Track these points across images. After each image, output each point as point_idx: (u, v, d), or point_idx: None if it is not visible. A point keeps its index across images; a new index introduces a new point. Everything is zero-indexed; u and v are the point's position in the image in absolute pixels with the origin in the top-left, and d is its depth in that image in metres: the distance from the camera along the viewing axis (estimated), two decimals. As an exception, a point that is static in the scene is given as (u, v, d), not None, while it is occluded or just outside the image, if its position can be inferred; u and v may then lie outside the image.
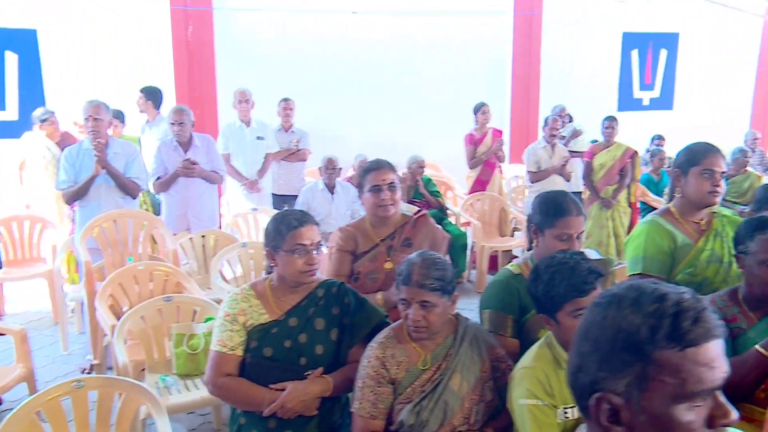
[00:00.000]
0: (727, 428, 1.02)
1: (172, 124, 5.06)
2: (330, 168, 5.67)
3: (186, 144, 5.13)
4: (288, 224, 2.35)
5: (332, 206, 5.68)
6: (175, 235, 4.80)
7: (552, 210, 2.44)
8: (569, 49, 9.27)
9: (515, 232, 6.65)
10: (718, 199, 2.71)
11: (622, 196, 6.18)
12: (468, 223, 6.43)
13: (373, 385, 2.21)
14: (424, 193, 6.19)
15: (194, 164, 5.00)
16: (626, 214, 6.20)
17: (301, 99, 6.73)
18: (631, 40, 9.63)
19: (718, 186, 2.66)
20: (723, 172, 2.68)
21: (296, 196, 5.96)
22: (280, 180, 6.45)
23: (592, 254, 4.72)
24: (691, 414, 0.98)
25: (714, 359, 0.98)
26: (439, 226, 3.16)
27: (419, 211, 3.11)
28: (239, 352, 2.36)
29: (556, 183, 6.29)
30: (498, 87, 8.97)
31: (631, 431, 1.00)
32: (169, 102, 6.61)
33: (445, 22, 8.38)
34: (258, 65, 7.61)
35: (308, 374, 2.34)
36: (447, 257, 2.57)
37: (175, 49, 7.24)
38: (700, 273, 2.67)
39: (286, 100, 6.50)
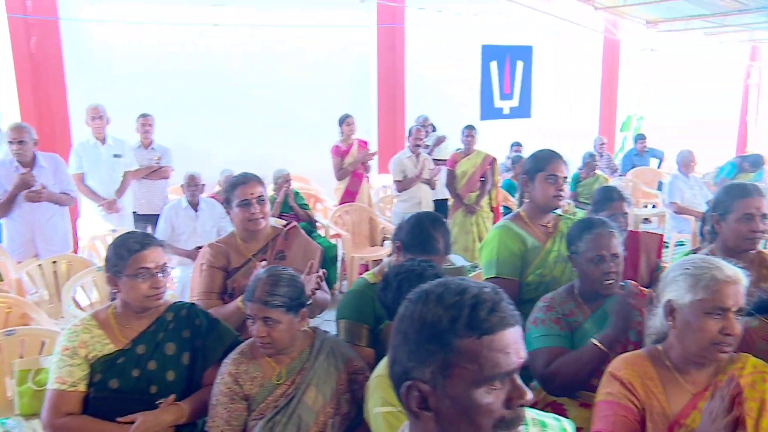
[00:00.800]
0: (524, 408, 1.11)
1: (11, 142, 4.68)
2: (192, 185, 5.49)
3: (28, 164, 4.76)
4: (129, 248, 2.23)
5: (197, 224, 5.49)
6: (20, 263, 4.45)
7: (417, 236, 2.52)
8: (432, 61, 9.57)
9: (385, 242, 6.75)
10: (563, 203, 2.88)
11: (485, 201, 6.44)
12: (338, 235, 6.45)
13: (226, 402, 2.15)
14: (293, 206, 6.15)
15: (33, 187, 4.64)
16: (489, 218, 6.48)
17: (161, 114, 6.48)
18: (489, 53, 10.11)
19: (561, 190, 2.83)
20: (565, 177, 2.86)
21: (159, 215, 5.72)
22: (141, 199, 6.18)
23: (457, 260, 4.90)
24: (489, 396, 1.06)
25: (509, 345, 1.06)
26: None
27: (289, 223, 3.08)
28: (81, 387, 2.22)
29: (422, 191, 6.47)
30: (364, 99, 9.09)
31: (438, 415, 1.07)
32: (14, 119, 6.13)
33: (309, 35, 8.39)
34: (114, 79, 7.23)
35: (160, 403, 2.23)
36: (321, 270, 2.58)
37: (16, 62, 6.71)
38: (548, 273, 2.83)
39: (144, 115, 6.24)
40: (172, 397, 2.25)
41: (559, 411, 2.38)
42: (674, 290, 1.84)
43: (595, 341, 2.23)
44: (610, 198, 3.15)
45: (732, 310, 1.76)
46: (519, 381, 1.09)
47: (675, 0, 8.75)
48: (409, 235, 2.56)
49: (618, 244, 2.42)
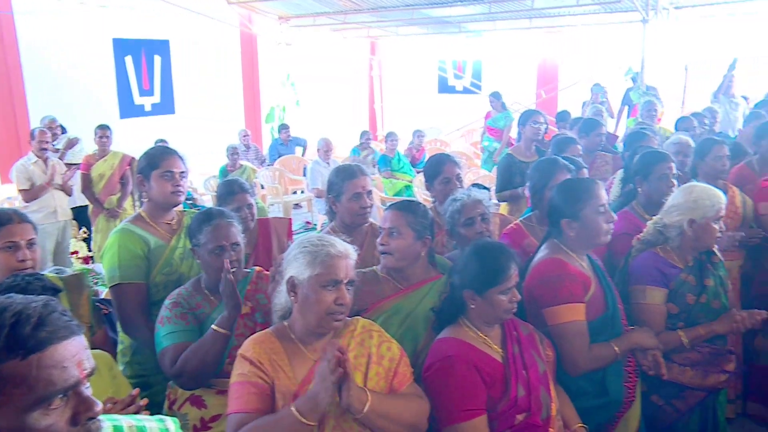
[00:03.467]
0: (97, 420, 1.06)
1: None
2: None
3: None
4: None
5: None
6: None
7: None
8: (57, 55, 8.69)
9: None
10: (182, 198, 2.86)
11: (128, 203, 6.12)
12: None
13: None
14: None
15: None
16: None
17: None
18: (122, 47, 9.57)
19: (179, 186, 2.80)
20: (182, 172, 2.84)
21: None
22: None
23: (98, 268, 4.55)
24: (48, 419, 0.99)
25: (65, 359, 1.00)
26: None
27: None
28: None
29: (56, 199, 5.88)
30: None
31: None
32: None
33: None
34: None
35: None
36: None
37: None
38: (175, 270, 2.79)
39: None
40: None
41: (198, 402, 2.40)
42: (295, 267, 1.95)
43: (215, 327, 2.28)
44: (232, 191, 3.22)
45: (344, 282, 1.94)
46: (86, 393, 1.04)
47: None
48: None
49: (237, 233, 2.49)
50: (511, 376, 2.17)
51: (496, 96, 9.42)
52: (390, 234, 2.48)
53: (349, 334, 2.04)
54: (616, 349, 2.46)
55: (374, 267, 2.58)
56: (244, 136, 9.66)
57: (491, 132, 9.26)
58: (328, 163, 7.80)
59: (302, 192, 9.78)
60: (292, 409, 1.78)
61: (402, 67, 15.00)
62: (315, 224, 8.80)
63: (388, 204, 2.77)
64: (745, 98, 9.35)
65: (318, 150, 8.06)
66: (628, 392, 2.57)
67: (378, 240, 2.52)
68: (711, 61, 10.45)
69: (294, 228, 7.46)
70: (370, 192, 2.97)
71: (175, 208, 2.90)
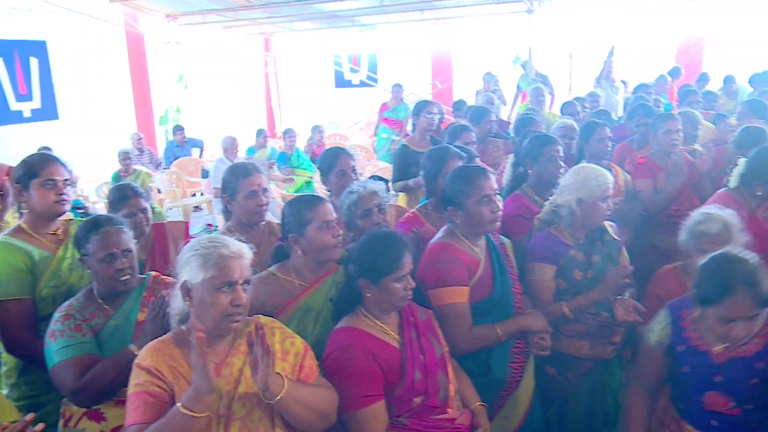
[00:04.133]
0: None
1: None
2: None
3: None
4: None
5: None
6: None
7: None
8: None
9: None
10: (67, 207, 2.72)
11: (9, 216, 5.72)
12: None
13: None
14: None
15: None
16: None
17: None
18: (-7, 49, 8.90)
19: (63, 194, 2.66)
20: (66, 180, 2.70)
21: None
22: None
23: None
24: None
25: None
26: None
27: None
28: None
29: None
30: None
31: None
32: None
33: None
34: None
35: None
36: None
37: None
38: (64, 282, 2.66)
39: None
40: None
41: (97, 416, 2.31)
42: (188, 271, 1.91)
43: (133, 348, 2.19)
44: (124, 196, 3.08)
45: (239, 282, 1.91)
46: None
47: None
48: None
49: (129, 240, 2.41)
50: (408, 361, 2.22)
51: (399, 87, 9.53)
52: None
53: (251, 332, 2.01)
54: (499, 331, 2.56)
55: (270, 269, 2.54)
56: (138, 139, 9.29)
57: (389, 123, 9.36)
58: (232, 161, 7.67)
59: (201, 194, 9.54)
60: (178, 405, 1.76)
61: (297, 62, 14.88)
62: (216, 226, 8.59)
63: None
64: (624, 83, 9.94)
65: (224, 150, 7.93)
66: (514, 373, 2.66)
67: (334, 234, 2.45)
68: (593, 48, 11.01)
69: (195, 231, 7.27)
70: (266, 189, 2.95)
71: (61, 217, 2.75)
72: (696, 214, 2.72)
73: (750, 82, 8.36)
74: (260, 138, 9.12)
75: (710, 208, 2.75)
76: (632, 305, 2.73)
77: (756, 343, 2.16)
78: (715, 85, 9.11)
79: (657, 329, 2.35)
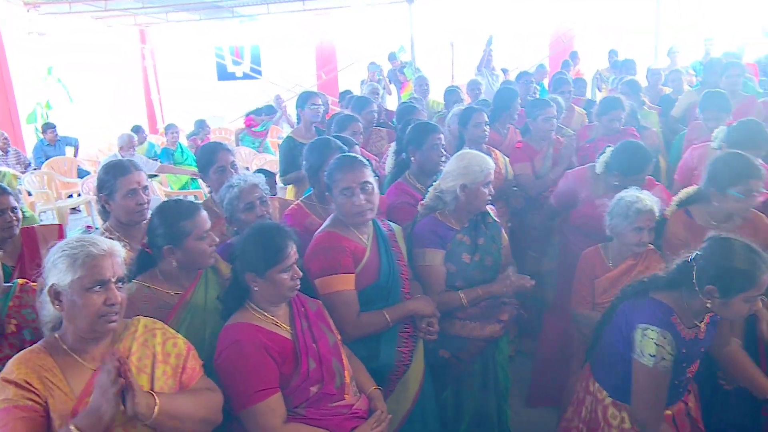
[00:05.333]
0: None
1: None
2: None
3: None
4: None
5: None
6: None
7: None
8: None
9: None
10: None
11: None
12: None
13: None
14: None
15: None
16: None
17: None
18: None
19: None
20: None
21: None
22: None
23: None
24: None
25: None
26: None
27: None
28: None
29: None
30: None
31: None
32: None
33: None
34: None
35: None
36: None
37: None
38: None
39: None
40: None
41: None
42: (55, 274, 1.81)
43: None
44: None
45: (111, 280, 1.83)
46: None
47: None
48: None
49: None
50: (301, 351, 2.22)
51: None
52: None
53: (130, 336, 1.96)
54: (388, 317, 2.61)
55: (139, 281, 2.38)
56: (3, 139, 8.63)
57: (253, 134, 9.27)
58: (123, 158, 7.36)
59: (79, 195, 9.00)
60: (71, 427, 1.67)
61: (177, 55, 14.37)
62: (97, 227, 8.15)
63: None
64: (505, 71, 10.35)
65: (120, 147, 7.61)
66: (403, 357, 2.71)
67: (210, 242, 2.37)
68: (472, 37, 11.38)
69: (74, 234, 6.85)
70: (146, 188, 2.84)
71: None
72: (623, 197, 2.86)
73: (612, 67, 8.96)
74: (139, 134, 8.76)
75: (629, 190, 2.91)
76: (510, 278, 2.88)
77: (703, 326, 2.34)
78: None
79: (663, 352, 2.24)
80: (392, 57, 10.76)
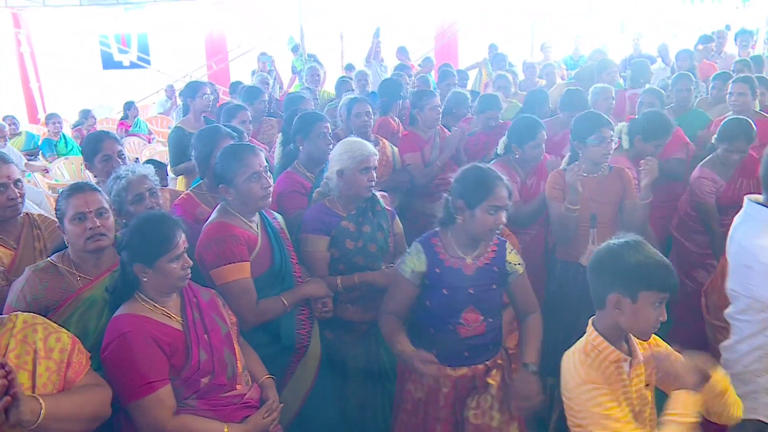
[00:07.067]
0: None
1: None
2: None
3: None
4: None
5: None
6: None
7: None
8: None
9: None
10: None
11: None
12: None
13: None
14: None
15: None
16: None
17: None
18: None
19: None
20: None
21: None
22: None
23: None
24: None
25: None
26: None
27: None
28: None
29: None
30: None
31: None
32: None
33: None
34: None
35: None
36: None
37: None
38: None
39: None
40: None
41: None
42: None
43: None
44: None
45: None
46: None
47: None
48: None
49: None
50: (192, 342, 2.20)
51: None
52: (100, 215, 2.35)
53: (7, 332, 1.87)
54: (285, 301, 2.68)
55: (49, 259, 2.38)
56: None
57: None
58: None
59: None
60: None
61: (57, 42, 13.67)
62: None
63: (62, 190, 2.50)
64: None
65: None
66: (302, 338, 2.81)
67: (87, 225, 2.30)
68: (361, 29, 11.62)
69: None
70: (18, 181, 2.67)
71: None
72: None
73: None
74: (10, 125, 8.24)
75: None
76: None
77: (491, 250, 2.55)
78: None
79: (411, 260, 2.52)
80: (295, 49, 10.78)
